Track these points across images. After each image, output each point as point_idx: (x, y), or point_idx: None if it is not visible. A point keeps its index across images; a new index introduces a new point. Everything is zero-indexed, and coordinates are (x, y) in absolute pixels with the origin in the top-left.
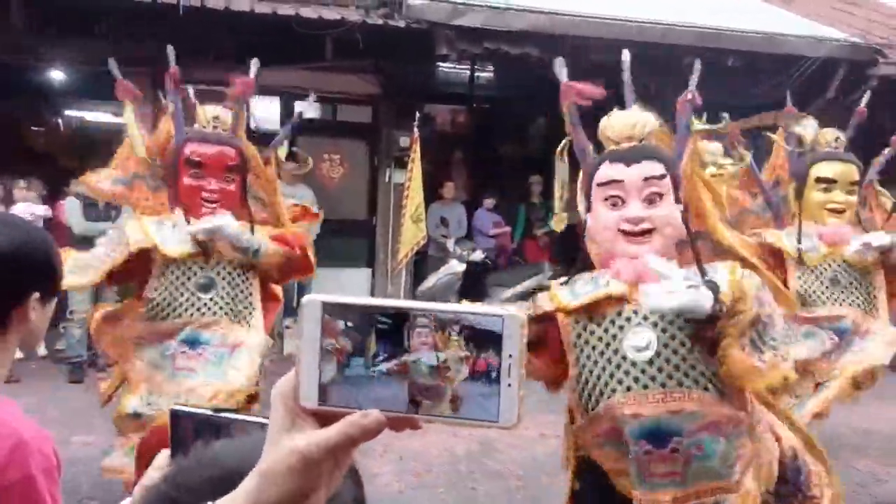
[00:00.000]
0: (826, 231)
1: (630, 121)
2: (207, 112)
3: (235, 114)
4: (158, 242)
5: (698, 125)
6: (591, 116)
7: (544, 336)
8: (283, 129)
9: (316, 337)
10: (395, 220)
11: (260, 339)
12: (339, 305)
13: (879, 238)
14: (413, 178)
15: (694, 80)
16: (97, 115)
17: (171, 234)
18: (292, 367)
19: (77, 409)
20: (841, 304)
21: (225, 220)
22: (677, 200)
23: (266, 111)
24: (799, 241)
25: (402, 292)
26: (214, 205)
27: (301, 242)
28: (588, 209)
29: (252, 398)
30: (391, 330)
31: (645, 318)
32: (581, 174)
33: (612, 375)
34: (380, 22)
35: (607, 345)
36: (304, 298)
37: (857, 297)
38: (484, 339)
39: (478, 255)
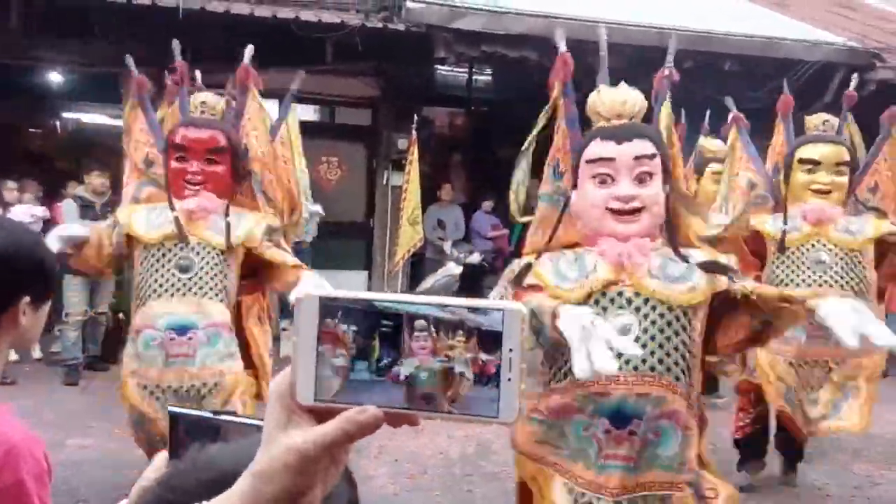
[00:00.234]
0: (809, 209)
1: (620, 97)
2: (195, 99)
3: (228, 100)
4: (133, 227)
5: (665, 111)
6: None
7: None
8: (282, 106)
9: (313, 333)
10: (393, 222)
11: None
12: (336, 300)
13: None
14: (410, 180)
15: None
16: (94, 118)
17: (154, 219)
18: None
19: (73, 412)
20: (831, 287)
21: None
22: (665, 181)
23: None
24: (785, 223)
25: None
26: (197, 187)
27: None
28: (574, 185)
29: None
30: (394, 333)
31: (629, 301)
32: (557, 148)
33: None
34: (379, 25)
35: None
36: (301, 293)
37: (845, 278)
38: (484, 337)
39: (475, 258)
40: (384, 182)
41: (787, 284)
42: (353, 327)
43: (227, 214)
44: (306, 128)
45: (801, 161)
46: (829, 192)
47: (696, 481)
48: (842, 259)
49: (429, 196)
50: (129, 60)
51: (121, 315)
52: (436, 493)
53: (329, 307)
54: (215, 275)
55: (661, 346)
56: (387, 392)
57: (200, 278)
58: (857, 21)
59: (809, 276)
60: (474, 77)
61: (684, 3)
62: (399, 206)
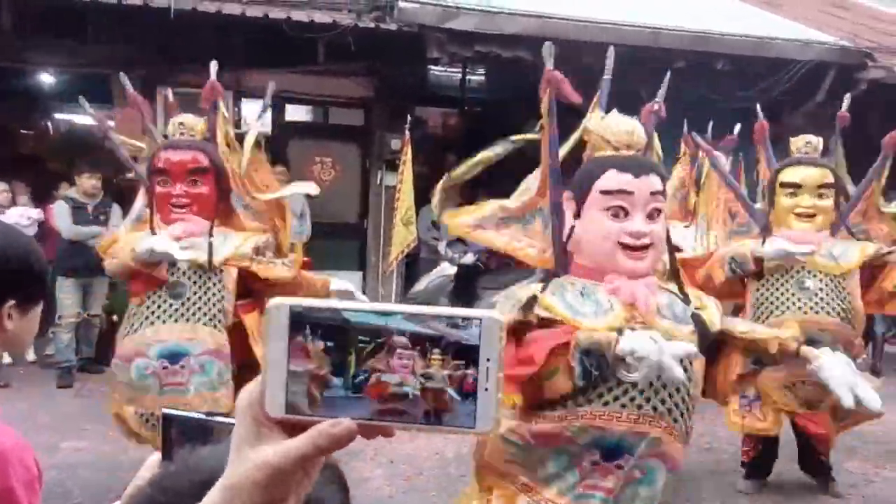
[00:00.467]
0: (793, 235)
1: (628, 127)
2: (174, 121)
3: (207, 118)
4: (122, 253)
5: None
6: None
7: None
8: (262, 106)
9: (283, 345)
10: (387, 222)
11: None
12: (307, 309)
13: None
14: (404, 180)
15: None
16: (86, 119)
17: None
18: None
19: (67, 415)
20: (817, 313)
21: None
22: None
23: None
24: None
25: (394, 295)
26: (183, 210)
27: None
28: (577, 215)
29: None
30: (371, 350)
31: None
32: (541, 170)
33: (594, 387)
34: (371, 25)
35: None
36: (271, 302)
37: (831, 304)
38: (462, 349)
39: (469, 258)
40: (378, 182)
41: (771, 312)
42: (328, 342)
43: (210, 234)
44: (299, 128)
45: (783, 185)
46: (812, 216)
47: None
48: (826, 285)
49: (423, 196)
50: (124, 78)
51: (114, 317)
52: (432, 493)
53: (301, 317)
54: (209, 299)
55: (664, 386)
56: (362, 406)
57: (193, 303)
58: (849, 20)
59: (794, 303)
60: (468, 77)
61: (677, 3)
62: (393, 206)
